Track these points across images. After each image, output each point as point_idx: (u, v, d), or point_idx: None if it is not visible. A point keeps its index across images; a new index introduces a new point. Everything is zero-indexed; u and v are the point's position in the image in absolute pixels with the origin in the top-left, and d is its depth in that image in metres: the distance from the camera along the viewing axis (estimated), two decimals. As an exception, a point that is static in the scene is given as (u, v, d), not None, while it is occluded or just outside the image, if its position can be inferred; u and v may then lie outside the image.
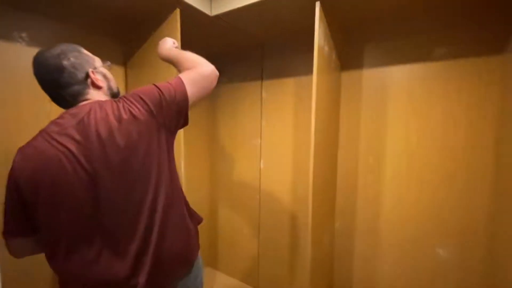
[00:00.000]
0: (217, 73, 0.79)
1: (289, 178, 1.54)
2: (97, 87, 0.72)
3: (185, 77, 0.72)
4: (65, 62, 0.66)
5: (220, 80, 1.76)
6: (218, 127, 1.84)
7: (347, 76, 1.31)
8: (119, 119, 0.63)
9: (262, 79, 1.62)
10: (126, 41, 1.34)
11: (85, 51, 0.73)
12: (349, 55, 1.29)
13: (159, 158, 0.67)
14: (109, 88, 0.76)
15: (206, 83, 0.76)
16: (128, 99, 0.67)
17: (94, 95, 0.71)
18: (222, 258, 1.88)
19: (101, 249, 0.63)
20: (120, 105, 0.66)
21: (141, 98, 0.66)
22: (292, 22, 1.27)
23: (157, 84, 0.70)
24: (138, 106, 0.65)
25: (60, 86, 0.66)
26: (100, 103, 0.66)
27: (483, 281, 1.04)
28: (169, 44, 0.90)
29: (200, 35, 1.47)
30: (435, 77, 1.10)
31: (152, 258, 0.65)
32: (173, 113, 0.69)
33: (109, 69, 0.79)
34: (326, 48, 1.09)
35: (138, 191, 0.65)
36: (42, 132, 0.65)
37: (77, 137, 0.62)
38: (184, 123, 0.74)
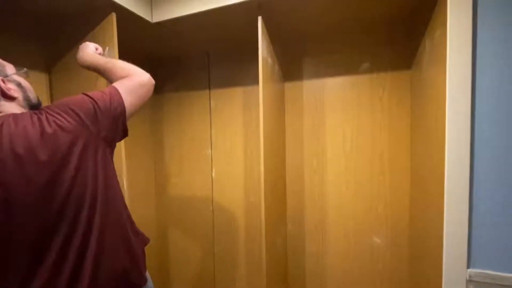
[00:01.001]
0: (153, 81, 0.77)
1: (241, 185, 1.55)
2: (10, 98, 0.62)
3: (121, 86, 0.68)
4: None
5: (166, 89, 1.72)
6: (165, 138, 1.75)
7: (290, 86, 1.41)
8: (41, 133, 0.55)
9: (209, 88, 1.61)
10: (50, 43, 1.18)
11: None
12: (290, 67, 1.39)
13: (94, 174, 0.61)
14: (26, 98, 0.66)
15: (143, 92, 0.72)
16: (53, 111, 0.59)
17: (7, 107, 0.60)
18: (175, 277, 1.77)
19: (32, 276, 0.55)
20: (43, 117, 0.58)
21: (71, 109, 0.60)
22: (236, 34, 1.31)
23: (88, 93, 0.64)
24: (67, 117, 0.59)
25: None
26: (14, 116, 0.57)
27: (408, 259, 1.22)
28: (91, 50, 0.82)
29: (142, 41, 1.39)
30: (362, 88, 1.27)
31: (88, 285, 0.58)
32: (109, 124, 0.64)
33: (26, 76, 0.69)
34: (270, 60, 1.15)
35: (70, 209, 0.58)
36: None
37: None
38: (123, 134, 0.69)
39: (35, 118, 0.57)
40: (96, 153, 0.62)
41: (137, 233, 0.75)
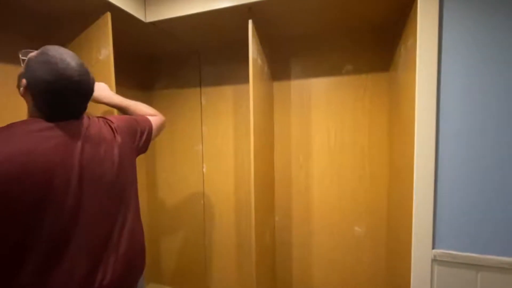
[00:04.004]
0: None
1: (231, 180, 1.62)
2: None
3: (153, 120, 0.94)
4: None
5: (157, 86, 1.75)
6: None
7: (278, 86, 1.48)
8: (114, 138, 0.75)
9: (200, 86, 1.66)
10: (43, 42, 1.18)
11: None
12: (279, 67, 1.46)
13: (132, 176, 0.81)
14: None
15: (162, 128, 1.00)
16: (112, 122, 0.77)
17: None
18: (166, 268, 1.81)
19: (77, 260, 0.62)
20: (112, 126, 0.77)
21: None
22: (228, 35, 1.36)
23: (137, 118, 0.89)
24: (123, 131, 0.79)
25: (87, 94, 0.68)
26: (93, 120, 0.72)
27: (385, 245, 1.33)
28: (107, 91, 0.95)
29: (135, 39, 1.42)
30: (345, 88, 1.36)
31: (123, 253, 0.71)
32: (142, 142, 0.87)
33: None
34: (259, 61, 1.22)
35: (120, 190, 0.73)
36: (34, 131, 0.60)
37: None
38: (145, 150, 0.91)
39: (105, 124, 0.76)
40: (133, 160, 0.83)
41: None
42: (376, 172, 1.34)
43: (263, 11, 1.10)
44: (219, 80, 1.61)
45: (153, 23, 1.21)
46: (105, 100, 0.91)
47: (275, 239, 1.54)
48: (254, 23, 1.12)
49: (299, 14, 1.15)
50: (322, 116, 1.41)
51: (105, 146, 0.69)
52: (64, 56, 0.63)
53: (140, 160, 0.84)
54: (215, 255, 1.68)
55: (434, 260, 0.89)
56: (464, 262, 0.87)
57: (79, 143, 0.64)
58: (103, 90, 0.93)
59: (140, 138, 0.85)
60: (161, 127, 0.99)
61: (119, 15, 1.09)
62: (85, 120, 0.69)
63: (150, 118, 0.93)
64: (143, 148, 0.88)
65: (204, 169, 1.68)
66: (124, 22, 1.17)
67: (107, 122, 0.75)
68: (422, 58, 0.86)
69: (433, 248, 0.89)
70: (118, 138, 0.74)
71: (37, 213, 0.56)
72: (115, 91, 1.02)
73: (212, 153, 1.65)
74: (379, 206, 1.34)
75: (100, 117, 0.78)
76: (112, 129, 0.74)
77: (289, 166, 1.49)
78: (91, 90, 0.67)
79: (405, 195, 1.00)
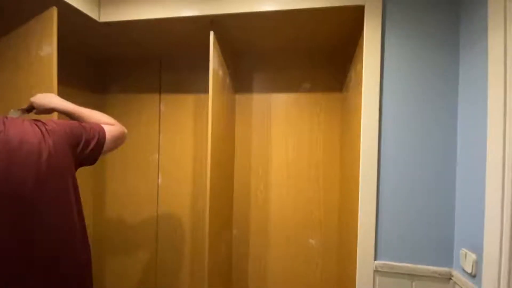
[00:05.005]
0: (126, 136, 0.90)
1: (188, 192, 1.56)
2: None
3: (109, 129, 0.82)
4: None
5: (112, 90, 1.64)
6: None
7: (241, 99, 1.49)
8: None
9: (160, 92, 1.60)
10: None
11: None
12: (241, 80, 1.48)
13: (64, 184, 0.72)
14: None
15: (120, 140, 0.86)
16: (46, 125, 0.69)
17: None
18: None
19: None
20: (44, 128, 0.68)
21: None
22: (191, 43, 1.35)
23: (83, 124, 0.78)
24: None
25: None
26: (12, 120, 0.64)
27: (338, 258, 1.38)
28: (55, 98, 0.86)
29: (87, 39, 1.33)
30: (303, 105, 1.42)
31: None
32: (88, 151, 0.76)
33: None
34: (221, 72, 1.22)
35: None
36: None
37: None
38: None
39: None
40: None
41: None
42: (328, 186, 1.40)
43: (224, 24, 1.12)
44: (180, 88, 1.57)
45: (108, 23, 1.15)
46: (52, 105, 0.83)
47: (232, 253, 1.50)
48: (216, 34, 1.12)
49: (259, 30, 1.18)
50: (280, 130, 1.45)
51: (26, 150, 0.61)
52: None
53: (86, 169, 0.76)
54: (167, 275, 1.58)
55: (376, 271, 0.94)
56: (400, 272, 0.94)
57: None
58: (51, 97, 0.85)
59: (85, 146, 0.74)
60: (118, 139, 0.85)
61: (69, 11, 1.01)
62: None
63: (105, 127, 0.82)
64: (89, 159, 0.78)
65: (159, 180, 1.59)
66: (75, 20, 1.09)
67: (36, 124, 0.67)
68: (366, 81, 0.95)
69: (375, 259, 0.94)
70: (49, 142, 0.65)
71: None
72: (56, 90, 0.93)
73: (170, 163, 1.58)
74: (331, 218, 1.40)
75: (33, 120, 0.69)
76: (41, 131, 0.65)
77: (248, 179, 1.49)
78: None
79: (352, 210, 1.06)
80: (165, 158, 1.59)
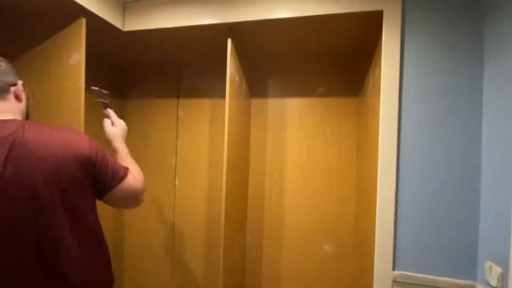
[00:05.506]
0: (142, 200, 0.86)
1: (204, 195, 1.58)
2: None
3: (133, 173, 0.81)
4: None
5: (132, 95, 1.70)
6: (127, 145, 1.71)
7: (256, 103, 1.51)
8: None
9: (178, 97, 1.64)
10: (14, 40, 1.12)
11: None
12: (257, 85, 1.50)
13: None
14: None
15: (135, 194, 0.81)
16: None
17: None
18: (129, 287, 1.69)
19: None
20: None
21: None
22: (209, 49, 1.38)
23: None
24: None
25: None
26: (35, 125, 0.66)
27: (353, 265, 1.35)
28: (121, 135, 0.98)
29: (111, 47, 1.39)
30: (317, 109, 1.42)
31: None
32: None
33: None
34: (237, 78, 1.24)
35: None
36: None
37: None
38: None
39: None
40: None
41: None
42: (344, 192, 1.38)
43: (242, 31, 1.14)
44: (198, 92, 1.61)
45: (131, 32, 1.20)
46: (115, 138, 0.95)
47: (245, 257, 1.51)
48: (233, 41, 1.15)
49: (275, 36, 1.20)
50: (295, 135, 1.45)
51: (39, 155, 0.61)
52: None
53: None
54: (183, 275, 1.60)
55: (394, 281, 0.92)
56: (421, 283, 0.90)
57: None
58: (121, 130, 0.99)
59: (105, 171, 0.72)
60: (134, 192, 0.79)
61: (96, 22, 1.07)
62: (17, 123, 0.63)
63: (130, 175, 0.79)
64: (100, 184, 0.73)
65: (176, 183, 1.63)
66: (100, 29, 1.14)
67: (58, 130, 0.68)
68: (385, 87, 0.94)
69: (393, 269, 0.92)
70: (94, 157, 0.69)
71: None
72: (83, 96, 0.98)
73: (186, 167, 1.62)
74: (347, 226, 1.37)
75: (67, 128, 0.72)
76: (88, 142, 0.70)
77: (263, 183, 1.49)
78: None
79: (369, 217, 1.04)
80: (181, 161, 1.63)
